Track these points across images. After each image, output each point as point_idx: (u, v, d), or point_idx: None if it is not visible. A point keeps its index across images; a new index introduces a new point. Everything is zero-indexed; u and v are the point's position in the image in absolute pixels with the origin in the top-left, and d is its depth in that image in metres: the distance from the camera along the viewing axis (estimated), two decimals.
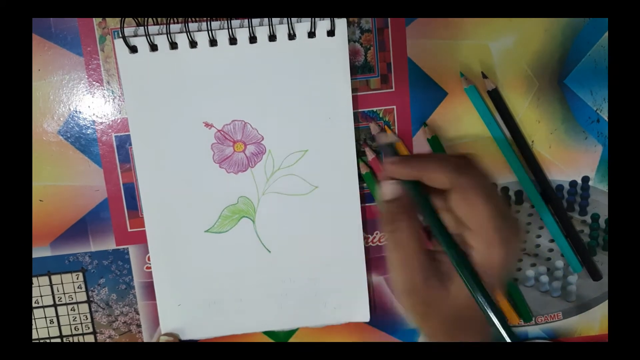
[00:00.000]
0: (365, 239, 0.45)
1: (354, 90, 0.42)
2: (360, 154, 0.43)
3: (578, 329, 0.48)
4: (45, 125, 0.42)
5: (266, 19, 0.40)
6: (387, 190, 0.33)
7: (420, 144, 0.44)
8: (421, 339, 0.34)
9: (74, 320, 0.45)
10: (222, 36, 0.40)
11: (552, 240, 0.46)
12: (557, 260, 0.46)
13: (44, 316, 0.45)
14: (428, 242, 0.32)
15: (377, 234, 0.45)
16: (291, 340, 0.46)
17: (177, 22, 0.40)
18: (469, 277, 0.30)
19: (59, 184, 0.43)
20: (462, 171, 0.30)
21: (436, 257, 0.32)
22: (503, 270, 0.30)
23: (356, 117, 0.43)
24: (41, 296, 0.44)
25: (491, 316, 0.30)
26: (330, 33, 0.40)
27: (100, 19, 0.41)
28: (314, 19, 0.40)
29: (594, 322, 0.48)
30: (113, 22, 0.41)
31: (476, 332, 0.33)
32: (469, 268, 0.30)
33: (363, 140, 0.43)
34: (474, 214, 0.30)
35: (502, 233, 0.30)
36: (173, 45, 0.40)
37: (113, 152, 0.42)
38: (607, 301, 0.47)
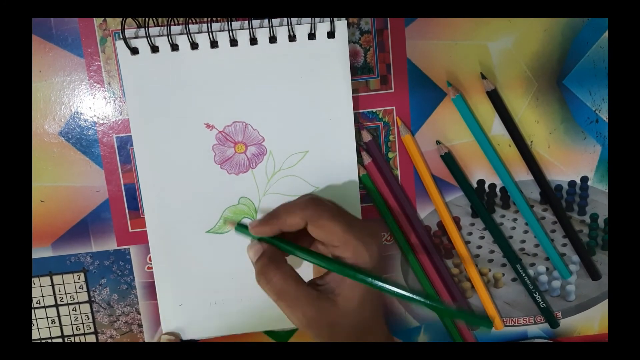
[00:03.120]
0: None
1: (353, 91, 0.42)
2: (360, 154, 0.43)
3: (577, 329, 0.48)
4: (47, 126, 0.42)
5: (266, 21, 0.40)
6: (252, 251, 0.37)
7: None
8: None
9: (75, 320, 0.45)
10: (223, 38, 0.40)
11: (552, 240, 0.46)
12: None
13: (45, 316, 0.45)
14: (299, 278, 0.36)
15: None
16: (291, 340, 0.46)
17: (178, 24, 0.40)
18: (356, 274, 0.35)
19: (60, 184, 0.43)
20: (306, 206, 0.36)
21: (317, 283, 0.37)
22: (376, 264, 0.36)
23: (356, 117, 0.43)
24: (43, 296, 0.44)
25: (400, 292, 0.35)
26: (331, 35, 0.40)
27: (101, 21, 0.41)
28: (314, 20, 0.40)
29: (593, 322, 0.48)
30: (114, 24, 0.41)
31: (380, 332, 0.38)
32: (352, 269, 0.35)
33: (360, 145, 0.43)
34: (332, 233, 0.35)
35: (360, 238, 0.35)
36: (174, 47, 0.40)
37: (114, 153, 0.43)
38: (606, 301, 0.47)
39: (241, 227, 0.39)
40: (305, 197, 0.37)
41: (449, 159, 0.44)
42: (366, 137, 0.43)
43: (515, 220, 0.46)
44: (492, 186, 0.45)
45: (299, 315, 0.35)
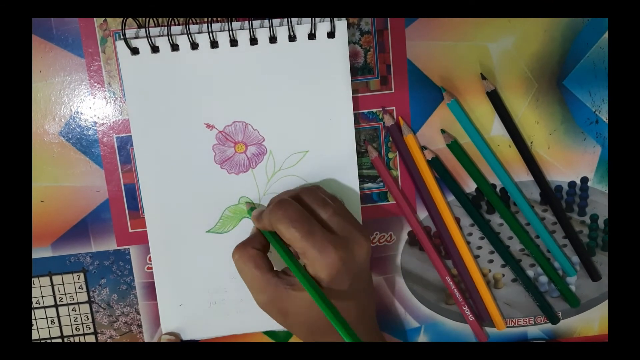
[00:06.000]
0: None
1: (353, 91, 0.42)
2: (359, 155, 0.43)
3: (577, 330, 0.48)
4: (47, 126, 0.42)
5: (266, 21, 0.40)
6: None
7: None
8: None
9: (75, 320, 0.45)
10: (223, 38, 0.40)
11: (554, 240, 0.46)
12: (556, 261, 0.46)
13: (45, 316, 0.45)
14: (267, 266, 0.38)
15: (377, 234, 0.45)
16: (291, 340, 0.46)
17: (178, 24, 0.40)
18: (308, 285, 0.36)
19: (60, 184, 0.43)
20: (274, 210, 0.37)
21: (285, 272, 0.38)
22: (335, 275, 0.36)
23: (356, 118, 0.43)
24: (42, 297, 0.44)
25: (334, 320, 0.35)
26: (331, 35, 0.40)
27: (101, 21, 0.41)
28: (314, 20, 0.40)
29: (593, 323, 0.48)
30: (114, 24, 0.41)
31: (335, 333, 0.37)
32: (310, 280, 0.36)
33: (364, 140, 0.44)
34: (290, 240, 0.36)
35: (318, 246, 0.36)
36: (174, 47, 0.40)
37: (114, 153, 0.43)
38: (606, 301, 0.47)
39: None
40: (277, 198, 0.39)
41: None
42: (388, 121, 0.43)
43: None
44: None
45: (254, 296, 0.38)
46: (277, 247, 0.38)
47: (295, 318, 0.38)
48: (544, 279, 0.46)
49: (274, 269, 0.38)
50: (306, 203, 0.38)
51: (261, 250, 0.39)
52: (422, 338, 0.47)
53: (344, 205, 0.40)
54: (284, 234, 0.36)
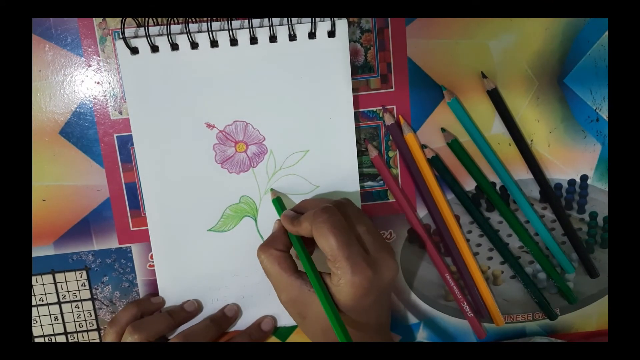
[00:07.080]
0: None
1: (354, 90, 0.42)
2: (360, 153, 0.43)
3: (575, 326, 0.48)
4: (47, 125, 0.42)
5: (266, 20, 0.40)
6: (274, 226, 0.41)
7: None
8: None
9: (78, 317, 0.45)
10: (223, 37, 0.40)
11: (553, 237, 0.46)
12: (555, 258, 0.46)
13: (48, 313, 0.45)
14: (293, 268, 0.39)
15: None
16: (291, 338, 0.46)
17: (178, 23, 0.40)
18: (323, 297, 0.37)
19: (62, 183, 0.43)
20: (318, 214, 0.36)
21: (303, 277, 0.38)
22: (357, 298, 0.36)
23: (356, 116, 0.43)
24: (45, 294, 0.45)
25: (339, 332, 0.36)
26: (331, 34, 0.40)
27: (100, 20, 0.41)
28: (314, 20, 0.40)
29: (590, 319, 0.48)
30: (113, 23, 0.41)
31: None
32: (325, 291, 0.37)
33: (364, 138, 0.44)
34: (327, 245, 0.36)
35: (351, 260, 0.35)
36: (174, 47, 0.40)
37: (115, 152, 0.43)
38: (603, 298, 0.47)
39: (277, 204, 0.41)
40: (329, 202, 0.39)
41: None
42: (389, 119, 0.43)
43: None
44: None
45: (278, 294, 0.39)
46: (300, 252, 0.38)
47: (312, 322, 0.38)
48: (542, 275, 0.47)
49: (298, 270, 0.39)
50: (346, 214, 0.38)
51: (285, 252, 0.39)
52: (421, 334, 0.48)
53: (373, 225, 0.40)
54: (322, 239, 0.36)
